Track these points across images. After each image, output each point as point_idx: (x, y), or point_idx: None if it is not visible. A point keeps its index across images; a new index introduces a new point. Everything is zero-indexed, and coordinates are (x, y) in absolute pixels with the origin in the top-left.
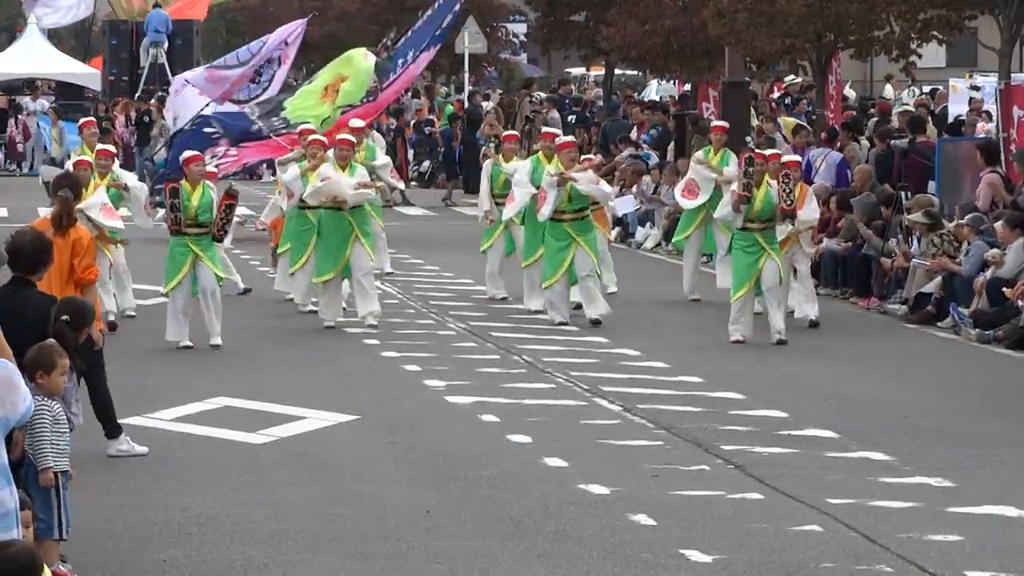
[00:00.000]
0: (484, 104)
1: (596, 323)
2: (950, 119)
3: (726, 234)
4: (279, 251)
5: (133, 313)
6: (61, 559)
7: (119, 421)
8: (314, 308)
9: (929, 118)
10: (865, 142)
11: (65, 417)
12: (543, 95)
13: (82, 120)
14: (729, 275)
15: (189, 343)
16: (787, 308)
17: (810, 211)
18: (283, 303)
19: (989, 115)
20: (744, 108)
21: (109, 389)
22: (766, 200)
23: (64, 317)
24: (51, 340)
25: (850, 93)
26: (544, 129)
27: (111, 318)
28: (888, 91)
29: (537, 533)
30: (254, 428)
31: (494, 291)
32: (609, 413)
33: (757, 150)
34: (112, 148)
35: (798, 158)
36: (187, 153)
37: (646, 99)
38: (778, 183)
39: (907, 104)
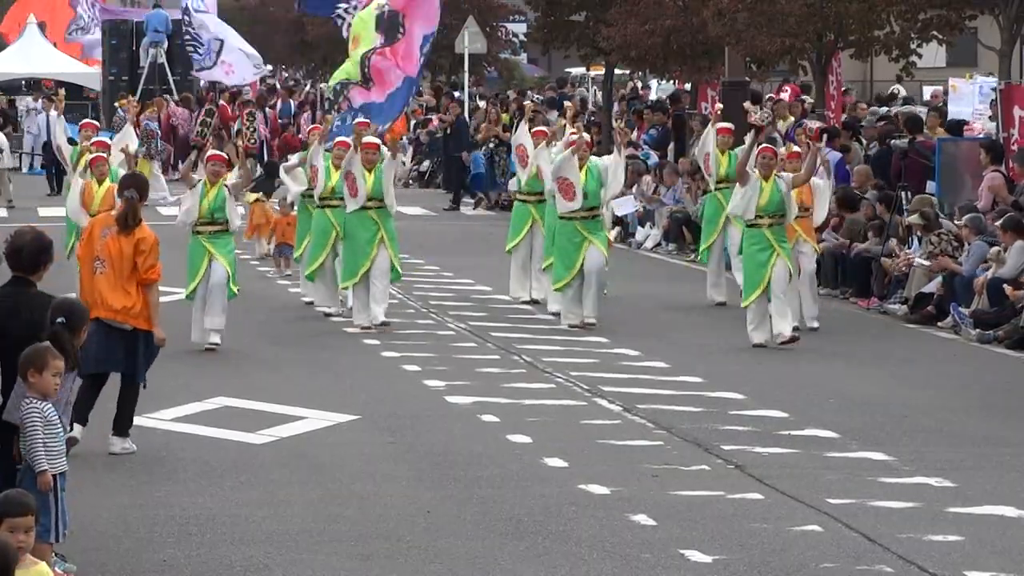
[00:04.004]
0: (481, 104)
1: (589, 326)
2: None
3: (739, 229)
4: (295, 255)
5: None
6: (61, 559)
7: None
8: (328, 311)
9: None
10: (864, 142)
11: (58, 418)
12: (541, 96)
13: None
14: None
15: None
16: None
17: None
18: (283, 303)
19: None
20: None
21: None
22: (774, 193)
23: (60, 319)
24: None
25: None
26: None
27: None
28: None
29: (537, 533)
30: (254, 428)
31: (519, 292)
32: (609, 413)
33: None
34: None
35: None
36: (210, 152)
37: (648, 100)
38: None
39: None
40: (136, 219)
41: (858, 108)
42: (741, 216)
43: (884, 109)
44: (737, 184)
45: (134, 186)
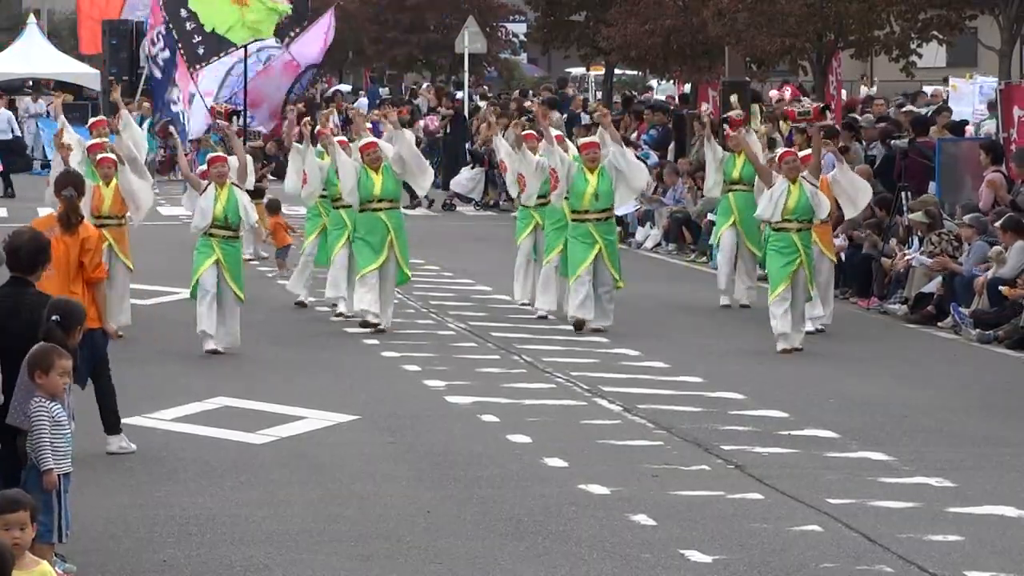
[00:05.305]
0: (481, 104)
1: (597, 331)
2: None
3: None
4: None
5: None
6: (61, 559)
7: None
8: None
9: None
10: (864, 142)
11: (66, 418)
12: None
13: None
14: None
15: (216, 347)
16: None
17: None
18: (283, 303)
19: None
20: (744, 109)
21: (113, 385)
22: (801, 197)
23: (54, 318)
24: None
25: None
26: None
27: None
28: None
29: (537, 533)
30: (254, 428)
31: (519, 295)
32: (609, 413)
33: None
34: (112, 156)
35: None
36: (211, 154)
37: (651, 100)
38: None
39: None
40: (79, 217)
41: (874, 105)
42: (768, 220)
43: (913, 108)
44: (764, 187)
45: (72, 184)
